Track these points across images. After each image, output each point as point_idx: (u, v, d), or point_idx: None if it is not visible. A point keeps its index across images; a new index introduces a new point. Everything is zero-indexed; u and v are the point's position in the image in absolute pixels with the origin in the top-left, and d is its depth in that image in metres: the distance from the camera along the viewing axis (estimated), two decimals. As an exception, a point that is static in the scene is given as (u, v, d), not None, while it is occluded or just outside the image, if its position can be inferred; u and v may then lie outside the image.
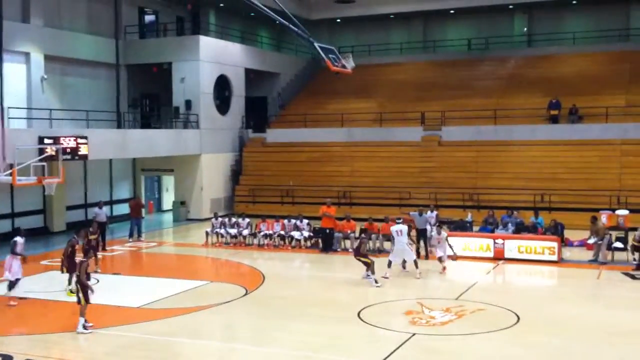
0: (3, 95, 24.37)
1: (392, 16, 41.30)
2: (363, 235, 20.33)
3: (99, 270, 19.38)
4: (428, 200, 27.36)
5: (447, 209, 27.43)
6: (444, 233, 19.77)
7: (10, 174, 19.26)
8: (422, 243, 21.35)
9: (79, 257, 16.76)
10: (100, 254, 20.98)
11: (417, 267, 18.78)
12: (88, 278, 14.32)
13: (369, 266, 17.97)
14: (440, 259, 19.42)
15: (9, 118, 22.74)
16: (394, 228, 18.96)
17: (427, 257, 20.89)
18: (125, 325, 14.49)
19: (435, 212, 23.51)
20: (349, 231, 23.11)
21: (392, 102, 35.46)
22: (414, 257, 19.13)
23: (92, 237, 19.23)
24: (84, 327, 13.86)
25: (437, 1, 39.19)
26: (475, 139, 31.40)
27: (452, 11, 40.27)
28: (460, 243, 21.31)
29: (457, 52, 40.13)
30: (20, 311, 15.97)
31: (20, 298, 16.68)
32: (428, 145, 32.14)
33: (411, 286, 18.07)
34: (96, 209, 24.01)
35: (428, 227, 21.47)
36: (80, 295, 13.94)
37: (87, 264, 14.58)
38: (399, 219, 19.67)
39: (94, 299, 14.18)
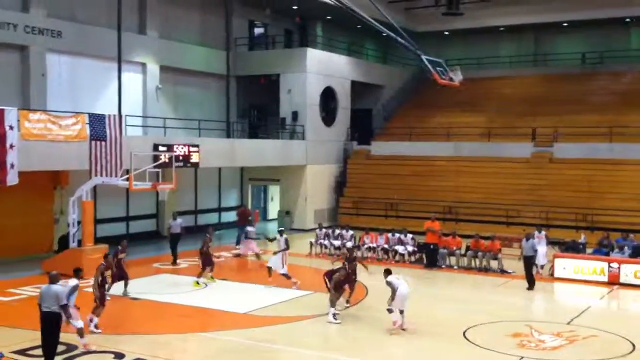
0: (121, 104, 25.50)
1: (501, 29, 40.37)
2: (345, 261, 17.15)
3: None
4: (537, 220, 26.39)
5: (558, 229, 26.36)
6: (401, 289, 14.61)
7: (127, 179, 20.13)
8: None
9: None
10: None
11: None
12: (103, 282, 14.61)
13: (331, 296, 15.68)
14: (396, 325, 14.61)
15: (127, 125, 23.75)
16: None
17: (532, 286, 19.30)
18: (231, 330, 14.84)
19: (543, 232, 21.96)
20: (454, 247, 22.66)
21: (501, 117, 34.59)
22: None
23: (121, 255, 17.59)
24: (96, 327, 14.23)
25: (549, 14, 37.79)
26: (589, 157, 30.04)
27: (565, 24, 38.88)
28: (572, 265, 20.54)
29: (569, 65, 38.62)
30: (132, 312, 16.58)
31: (132, 299, 17.34)
32: (539, 162, 31.08)
33: (519, 308, 17.44)
34: (170, 221, 23.33)
35: (539, 250, 20.35)
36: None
37: (104, 266, 14.77)
38: None
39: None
